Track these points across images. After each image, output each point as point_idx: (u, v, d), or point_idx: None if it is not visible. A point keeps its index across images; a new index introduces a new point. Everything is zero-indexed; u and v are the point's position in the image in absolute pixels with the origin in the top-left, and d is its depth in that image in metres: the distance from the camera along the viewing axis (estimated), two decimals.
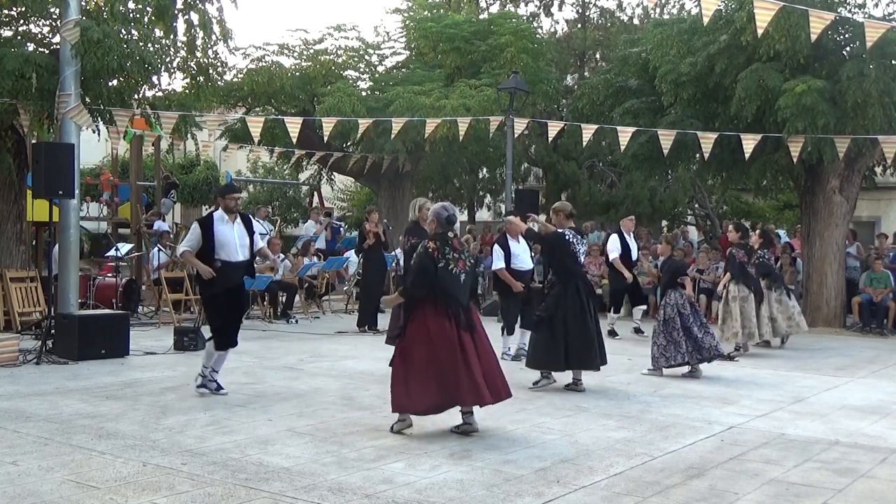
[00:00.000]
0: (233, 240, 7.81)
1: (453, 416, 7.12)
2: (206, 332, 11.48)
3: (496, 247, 10.55)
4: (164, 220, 18.16)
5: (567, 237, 8.46)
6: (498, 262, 10.37)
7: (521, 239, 10.62)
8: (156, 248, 14.99)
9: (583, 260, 8.64)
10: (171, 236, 17.62)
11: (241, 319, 8.23)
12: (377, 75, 20.82)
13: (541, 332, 8.38)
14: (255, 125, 15.07)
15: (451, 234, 6.60)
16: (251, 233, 8.04)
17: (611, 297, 13.61)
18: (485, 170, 24.73)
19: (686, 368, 9.49)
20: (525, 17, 23.42)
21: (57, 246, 11.27)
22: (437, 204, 6.83)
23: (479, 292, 20.17)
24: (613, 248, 12.92)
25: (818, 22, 10.57)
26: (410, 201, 20.42)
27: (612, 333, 12.85)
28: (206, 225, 7.81)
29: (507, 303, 10.60)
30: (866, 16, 15.45)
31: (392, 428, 6.53)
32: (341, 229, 20.30)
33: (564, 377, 8.58)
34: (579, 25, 26.24)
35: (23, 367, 9.26)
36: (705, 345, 9.28)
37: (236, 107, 20.17)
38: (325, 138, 16.85)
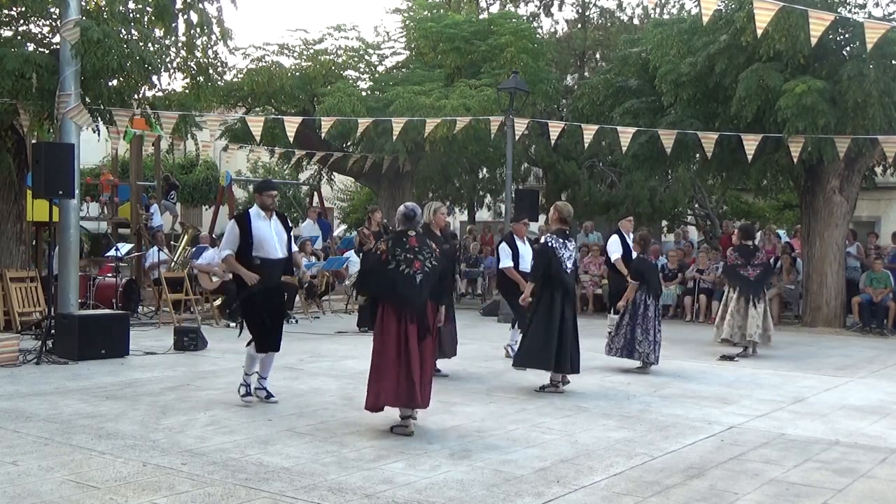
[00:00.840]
0: (271, 237, 7.49)
1: (453, 416, 7.14)
2: (208, 334, 11.52)
3: (503, 245, 10.53)
4: (163, 216, 18.21)
5: (550, 244, 8.45)
6: (505, 261, 10.32)
7: (526, 242, 10.64)
8: (154, 248, 15.00)
9: (569, 265, 8.46)
10: (170, 227, 17.67)
11: (282, 321, 7.77)
12: (377, 75, 20.81)
13: (529, 333, 8.46)
14: (256, 125, 15.07)
15: (411, 233, 6.64)
16: (288, 230, 7.78)
17: (611, 298, 13.42)
18: (485, 170, 24.72)
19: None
20: (525, 17, 23.41)
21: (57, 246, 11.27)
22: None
23: (471, 291, 20.21)
24: (615, 249, 12.70)
25: (818, 23, 10.54)
26: (409, 202, 20.54)
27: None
28: (243, 221, 7.46)
29: (513, 301, 10.62)
30: (866, 16, 15.45)
31: (392, 429, 6.54)
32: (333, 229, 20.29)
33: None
34: (579, 25, 26.23)
35: (23, 367, 9.25)
36: (639, 349, 9.70)
37: (236, 107, 20.17)
38: (323, 135, 16.85)
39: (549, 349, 8.23)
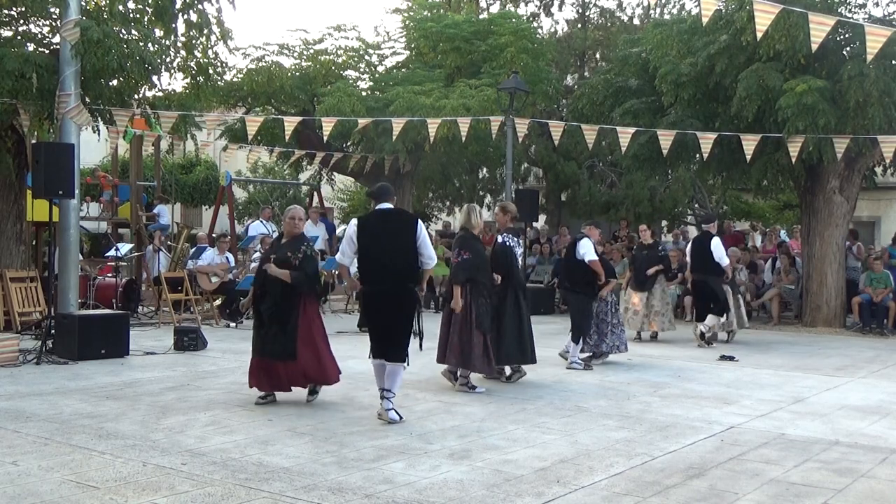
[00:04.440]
0: None
1: (453, 416, 7.15)
2: (208, 334, 11.49)
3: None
4: (163, 215, 18.22)
5: (508, 244, 8.78)
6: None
7: None
8: (157, 251, 14.98)
9: (520, 262, 9.02)
10: (169, 232, 17.64)
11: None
12: (377, 75, 20.80)
13: (507, 332, 8.66)
14: (254, 125, 15.06)
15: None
16: None
17: (712, 301, 12.60)
18: (485, 170, 24.71)
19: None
20: (525, 17, 23.40)
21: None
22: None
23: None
24: (723, 254, 12.21)
25: (819, 28, 10.46)
26: (409, 200, 20.54)
27: (711, 339, 12.35)
28: None
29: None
30: (866, 16, 15.42)
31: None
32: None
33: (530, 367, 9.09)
34: (579, 25, 26.23)
35: (23, 367, 9.26)
36: (606, 340, 10.26)
37: (236, 107, 20.17)
38: (325, 138, 16.86)
39: (527, 344, 8.71)
